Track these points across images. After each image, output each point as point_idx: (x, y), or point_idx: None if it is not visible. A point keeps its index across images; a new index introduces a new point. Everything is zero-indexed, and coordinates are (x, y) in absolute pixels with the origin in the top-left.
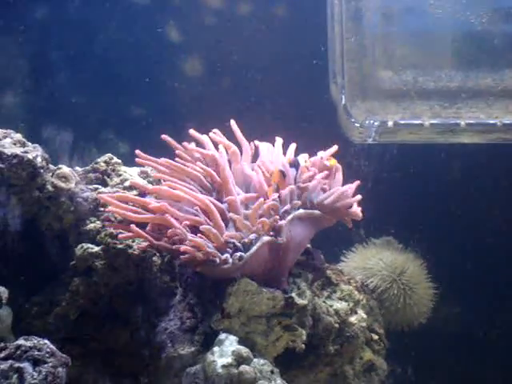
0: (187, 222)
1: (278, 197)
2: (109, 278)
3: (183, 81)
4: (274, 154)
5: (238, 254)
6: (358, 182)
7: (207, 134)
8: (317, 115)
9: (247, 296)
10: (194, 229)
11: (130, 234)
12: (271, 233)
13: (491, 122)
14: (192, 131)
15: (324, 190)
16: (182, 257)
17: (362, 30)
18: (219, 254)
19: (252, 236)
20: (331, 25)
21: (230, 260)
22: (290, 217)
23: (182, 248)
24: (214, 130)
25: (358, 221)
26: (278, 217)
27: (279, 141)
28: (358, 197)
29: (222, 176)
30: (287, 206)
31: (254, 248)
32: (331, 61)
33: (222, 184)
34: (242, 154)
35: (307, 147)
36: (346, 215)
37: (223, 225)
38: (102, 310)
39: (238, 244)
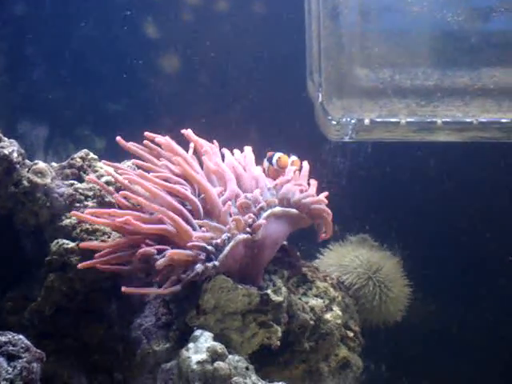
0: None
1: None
2: (84, 274)
3: (160, 77)
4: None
5: (211, 263)
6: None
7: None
8: (294, 113)
9: (223, 292)
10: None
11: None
12: (247, 229)
13: (468, 120)
14: (147, 133)
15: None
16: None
17: (339, 27)
18: (190, 270)
19: (224, 236)
20: (309, 22)
21: (202, 269)
22: (265, 214)
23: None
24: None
25: (333, 218)
26: (253, 214)
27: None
28: (324, 198)
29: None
30: (262, 203)
31: (227, 249)
32: (308, 58)
33: (199, 183)
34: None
35: (284, 144)
36: (320, 218)
37: (189, 228)
38: (78, 306)
39: (209, 247)
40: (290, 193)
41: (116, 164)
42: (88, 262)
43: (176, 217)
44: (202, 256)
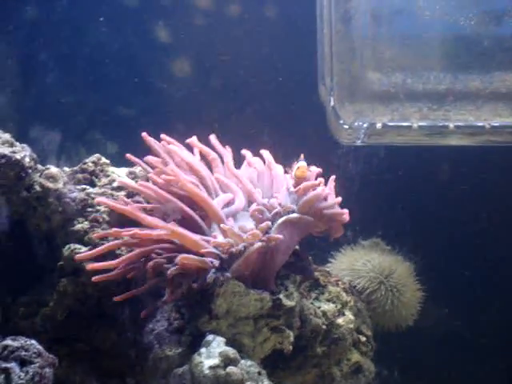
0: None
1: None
2: None
3: (171, 81)
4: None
5: (224, 275)
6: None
7: (193, 136)
8: (306, 117)
9: (235, 297)
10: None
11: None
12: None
13: (480, 124)
14: (163, 136)
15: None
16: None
17: (350, 31)
18: (202, 279)
19: (241, 246)
20: (320, 26)
21: (214, 279)
22: (281, 220)
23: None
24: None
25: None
26: (269, 223)
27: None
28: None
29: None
30: (278, 209)
31: (242, 259)
32: (320, 62)
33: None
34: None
35: (296, 149)
36: (336, 228)
37: (199, 239)
38: (90, 311)
39: (224, 256)
40: (316, 200)
41: (138, 160)
42: (103, 276)
43: (183, 232)
44: (216, 263)
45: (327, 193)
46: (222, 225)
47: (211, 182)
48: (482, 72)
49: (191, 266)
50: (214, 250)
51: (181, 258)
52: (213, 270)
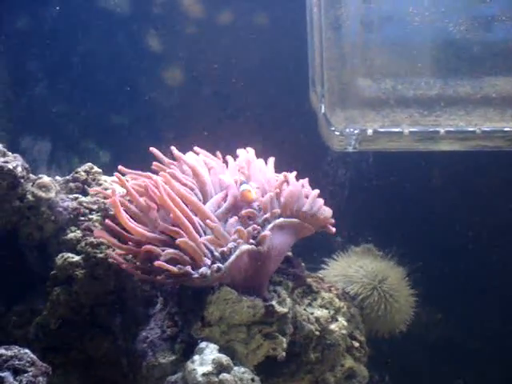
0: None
1: (258, 205)
2: (89, 288)
3: (163, 90)
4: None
5: (216, 265)
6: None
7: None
8: (297, 124)
9: (227, 304)
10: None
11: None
12: (251, 241)
13: (470, 129)
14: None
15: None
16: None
17: (341, 38)
18: (196, 272)
19: (231, 245)
20: (311, 34)
21: (209, 272)
22: (270, 225)
23: (157, 263)
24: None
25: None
26: (257, 226)
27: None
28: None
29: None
30: (267, 214)
31: (233, 257)
32: (311, 69)
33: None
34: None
35: (288, 156)
36: (324, 226)
37: (197, 236)
38: (83, 319)
39: (217, 253)
40: (291, 197)
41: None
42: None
43: (187, 222)
44: (208, 261)
45: (306, 192)
46: (207, 221)
47: (209, 186)
48: (472, 77)
49: (188, 251)
50: (208, 244)
51: (179, 240)
52: (206, 266)
